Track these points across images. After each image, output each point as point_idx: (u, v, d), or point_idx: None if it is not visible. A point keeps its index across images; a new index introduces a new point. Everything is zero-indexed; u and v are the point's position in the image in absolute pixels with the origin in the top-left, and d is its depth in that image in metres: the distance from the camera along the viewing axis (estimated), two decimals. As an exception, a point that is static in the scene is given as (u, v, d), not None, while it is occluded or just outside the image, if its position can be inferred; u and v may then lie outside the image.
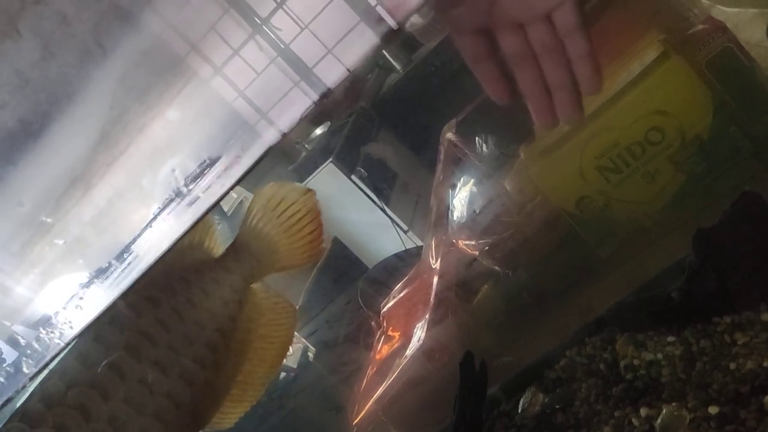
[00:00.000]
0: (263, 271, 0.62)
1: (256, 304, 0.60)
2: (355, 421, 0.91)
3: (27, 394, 0.48)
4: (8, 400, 0.48)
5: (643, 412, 0.62)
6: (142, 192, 0.46)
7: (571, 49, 0.54)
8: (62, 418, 0.47)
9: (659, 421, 0.60)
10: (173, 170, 0.44)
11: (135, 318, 0.52)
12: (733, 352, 0.62)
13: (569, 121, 0.57)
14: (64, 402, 0.47)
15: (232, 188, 0.48)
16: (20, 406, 0.49)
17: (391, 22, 0.59)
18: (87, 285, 0.46)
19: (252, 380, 0.59)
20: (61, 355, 0.47)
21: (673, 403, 0.60)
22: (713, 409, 0.58)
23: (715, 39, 0.74)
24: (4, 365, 0.53)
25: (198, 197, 0.48)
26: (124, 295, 0.46)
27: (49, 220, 0.44)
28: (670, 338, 0.68)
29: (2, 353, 0.56)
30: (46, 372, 0.48)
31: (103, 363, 0.49)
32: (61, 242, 0.45)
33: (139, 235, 0.45)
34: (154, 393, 0.50)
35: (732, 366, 0.61)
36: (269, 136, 0.53)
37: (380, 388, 0.91)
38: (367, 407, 0.91)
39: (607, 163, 0.79)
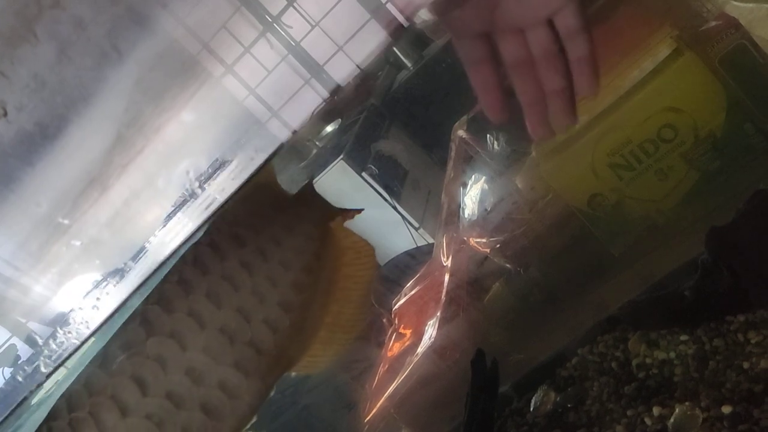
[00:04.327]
0: (335, 210, 0.59)
1: (336, 242, 0.57)
2: (367, 419, 0.91)
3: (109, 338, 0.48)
4: (24, 399, 0.49)
5: (655, 411, 0.62)
6: (157, 192, 0.47)
7: (570, 51, 0.54)
8: (140, 369, 0.46)
9: (672, 420, 0.60)
10: (188, 172, 0.44)
11: (219, 261, 0.50)
12: (747, 351, 0.62)
13: (562, 128, 0.57)
14: (143, 351, 0.46)
15: (244, 184, 0.49)
16: (101, 350, 0.48)
17: (401, 19, 0.59)
18: (103, 285, 0.46)
19: (340, 321, 0.55)
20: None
21: (686, 403, 0.60)
22: (726, 409, 0.57)
23: (729, 35, 0.74)
24: (20, 362, 0.54)
25: (211, 196, 0.49)
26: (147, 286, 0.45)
27: (66, 221, 0.45)
28: (683, 337, 0.68)
29: (18, 350, 0.57)
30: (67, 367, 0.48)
31: (184, 311, 0.47)
32: (78, 243, 0.46)
33: (154, 236, 0.46)
34: (235, 342, 0.48)
35: (745, 365, 0.60)
36: (281, 134, 0.53)
37: (392, 386, 0.91)
38: (378, 405, 0.91)
39: (620, 161, 0.79)
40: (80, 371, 0.47)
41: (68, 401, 0.46)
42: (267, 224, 0.53)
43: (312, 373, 0.55)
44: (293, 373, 0.55)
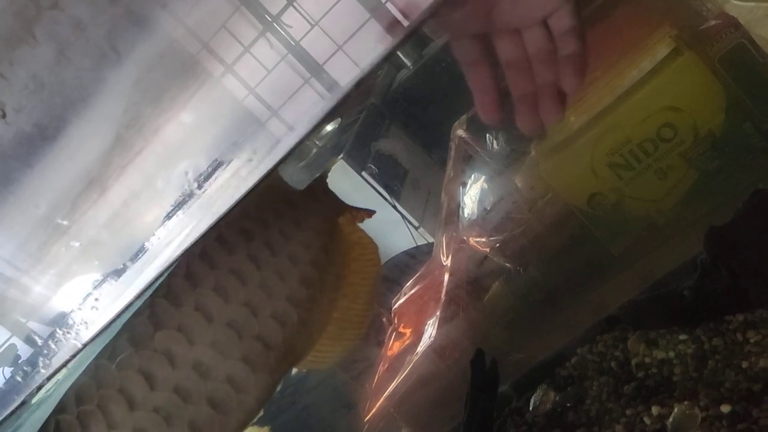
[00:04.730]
0: (344, 206, 0.59)
1: (345, 237, 0.57)
2: (367, 418, 0.91)
3: (116, 331, 0.48)
4: (23, 403, 0.49)
5: (654, 410, 0.62)
6: (156, 193, 0.47)
7: (560, 49, 0.54)
8: (148, 363, 0.46)
9: (671, 419, 0.60)
10: (186, 173, 0.44)
11: (227, 254, 0.50)
12: (746, 350, 0.62)
13: (549, 119, 0.57)
14: (151, 345, 0.47)
15: (255, 186, 0.48)
16: (109, 342, 0.48)
17: (402, 20, 0.59)
18: (102, 286, 0.46)
19: (349, 317, 0.55)
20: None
21: (685, 402, 0.60)
22: (725, 408, 0.57)
23: (728, 35, 0.74)
24: (20, 362, 0.54)
25: (212, 197, 0.48)
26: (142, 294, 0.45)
27: (65, 222, 0.45)
28: (682, 336, 0.68)
29: (17, 350, 0.57)
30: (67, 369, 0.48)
31: (192, 305, 0.47)
32: (77, 244, 0.46)
33: (153, 236, 0.46)
34: (243, 336, 0.48)
35: (744, 364, 0.60)
36: (281, 135, 0.53)
37: (391, 385, 0.91)
38: (378, 404, 0.91)
39: (619, 160, 0.79)
40: (88, 364, 0.47)
41: (77, 394, 0.46)
42: (275, 218, 0.53)
43: (320, 368, 0.55)
44: (299, 369, 0.55)
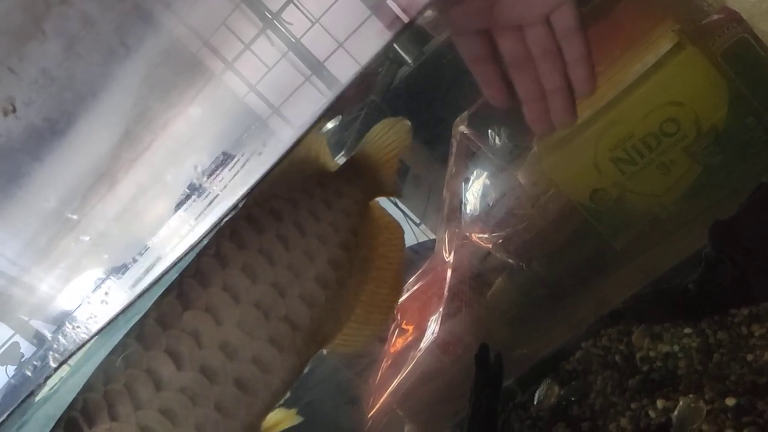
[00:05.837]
0: (378, 188, 0.59)
1: (374, 221, 0.57)
2: (370, 414, 0.92)
3: (147, 310, 0.48)
4: (30, 394, 0.49)
5: (659, 404, 0.62)
6: (165, 188, 0.47)
7: (567, 51, 0.55)
8: (176, 343, 0.46)
9: (676, 412, 0.60)
10: (196, 167, 0.45)
11: (256, 234, 0.50)
12: (750, 343, 0.62)
13: (562, 125, 0.58)
14: (179, 324, 0.46)
15: (257, 184, 0.49)
16: (138, 321, 0.48)
17: (403, 16, 0.59)
18: (112, 280, 0.46)
19: (376, 301, 0.55)
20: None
21: (690, 395, 0.60)
22: (730, 401, 0.58)
23: (731, 29, 0.74)
24: (23, 360, 0.54)
25: (217, 193, 0.49)
26: (147, 292, 0.45)
27: (74, 216, 0.45)
28: (687, 330, 0.68)
29: (21, 348, 0.57)
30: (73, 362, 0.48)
31: (220, 285, 0.47)
32: (86, 238, 0.46)
33: (162, 230, 0.46)
34: (270, 317, 0.48)
35: (749, 357, 0.61)
36: (283, 132, 0.54)
37: (395, 381, 0.91)
38: (382, 400, 0.91)
39: (622, 155, 0.79)
40: (116, 344, 0.47)
41: (104, 373, 0.46)
42: (305, 198, 0.53)
43: (346, 351, 0.55)
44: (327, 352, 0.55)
